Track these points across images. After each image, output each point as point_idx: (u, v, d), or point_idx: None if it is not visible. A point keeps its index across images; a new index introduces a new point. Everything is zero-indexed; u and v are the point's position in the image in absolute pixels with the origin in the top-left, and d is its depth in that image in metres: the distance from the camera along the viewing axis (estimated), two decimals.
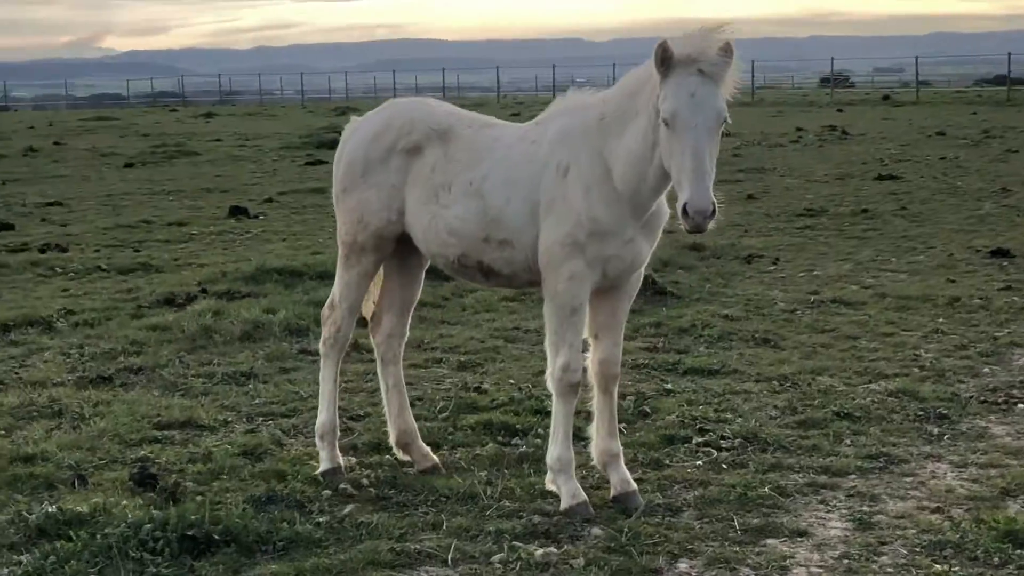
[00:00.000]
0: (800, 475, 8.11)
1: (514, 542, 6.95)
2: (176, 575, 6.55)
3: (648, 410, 9.51)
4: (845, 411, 9.39)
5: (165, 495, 7.59)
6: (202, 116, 71.10)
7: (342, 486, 7.84)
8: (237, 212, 22.80)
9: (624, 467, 7.71)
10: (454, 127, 7.74)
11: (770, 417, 9.38)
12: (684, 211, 6.58)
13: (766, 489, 7.76)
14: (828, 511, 7.52)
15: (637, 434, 8.96)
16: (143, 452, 8.62)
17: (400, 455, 8.33)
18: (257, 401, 9.92)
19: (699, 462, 8.39)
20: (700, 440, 8.76)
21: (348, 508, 7.50)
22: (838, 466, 8.25)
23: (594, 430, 7.82)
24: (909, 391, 9.97)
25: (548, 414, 8.93)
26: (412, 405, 9.41)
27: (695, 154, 6.65)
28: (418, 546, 6.89)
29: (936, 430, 9.03)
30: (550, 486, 7.59)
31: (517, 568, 6.65)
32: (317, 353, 8.67)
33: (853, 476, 8.09)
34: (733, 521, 7.28)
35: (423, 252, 7.92)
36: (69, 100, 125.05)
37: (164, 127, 58.82)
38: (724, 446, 8.67)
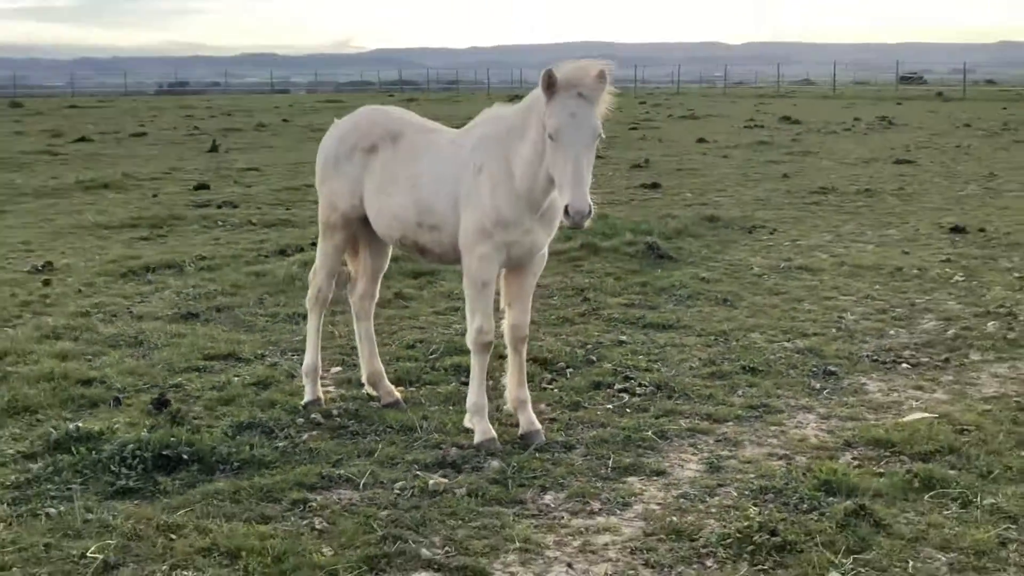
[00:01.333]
0: (687, 420, 7.57)
1: (420, 472, 6.60)
2: (142, 487, 6.29)
3: (594, 359, 8.99)
4: (752, 365, 8.75)
5: (168, 418, 7.39)
6: (410, 101, 70.76)
7: (314, 416, 7.56)
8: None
9: (531, 411, 7.29)
10: (404, 131, 7.45)
11: (690, 368, 8.79)
12: (566, 211, 6.26)
13: (650, 432, 7.26)
14: (693, 454, 6.99)
15: (573, 379, 8.49)
16: (179, 379, 8.43)
17: (370, 391, 8.03)
18: (297, 339, 9.60)
19: (609, 405, 7.88)
20: (620, 387, 8.24)
21: (306, 435, 7.23)
22: (720, 414, 7.69)
23: (507, 381, 7.40)
24: (815, 349, 9.27)
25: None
26: (413, 346, 9.13)
27: (575, 164, 6.28)
28: (343, 471, 6.57)
29: (819, 385, 8.36)
30: (467, 424, 7.22)
31: (411, 493, 6.29)
32: None
33: (730, 423, 7.54)
34: (609, 459, 6.82)
35: (376, 232, 7.58)
36: (330, 87, 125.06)
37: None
38: (638, 392, 8.15)
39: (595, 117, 6.44)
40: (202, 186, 21.69)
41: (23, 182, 22.44)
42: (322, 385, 8.05)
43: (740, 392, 8.20)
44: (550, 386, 8.33)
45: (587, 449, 7.03)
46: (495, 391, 7.70)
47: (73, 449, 6.68)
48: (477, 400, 7.15)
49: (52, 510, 5.98)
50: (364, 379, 8.06)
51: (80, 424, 7.03)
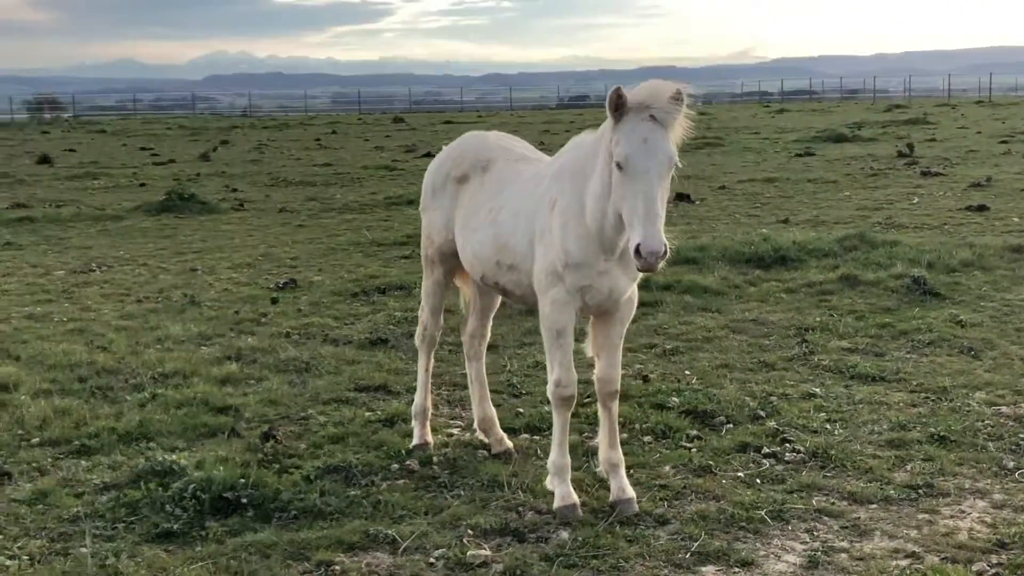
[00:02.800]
0: (823, 498, 6.48)
1: (470, 539, 5.96)
2: (187, 531, 6.06)
3: (763, 414, 7.92)
4: (945, 433, 7.39)
5: (264, 456, 7.15)
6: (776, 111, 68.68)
7: (409, 462, 7.07)
8: (680, 198, 21.65)
9: (624, 475, 6.46)
10: (496, 160, 6.84)
11: (870, 433, 7.55)
12: (637, 252, 5.40)
13: (763, 512, 6.23)
14: (802, 543, 5.92)
15: (723, 438, 7.51)
16: (313, 411, 8.19)
17: (482, 437, 7.45)
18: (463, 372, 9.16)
19: (741, 473, 6.88)
20: (768, 451, 7.20)
21: (385, 484, 6.74)
22: (867, 493, 6.52)
23: (599, 440, 6.61)
24: None
25: (666, 408, 7.86)
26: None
27: (647, 197, 5.45)
28: (394, 531, 6.02)
29: (1013, 464, 6.94)
30: (548, 486, 6.47)
31: (446, 563, 5.69)
32: None
33: (873, 506, 6.37)
34: (696, 542, 5.89)
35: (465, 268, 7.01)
36: (726, 98, 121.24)
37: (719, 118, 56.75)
38: (787, 459, 7.08)
39: (670, 143, 5.60)
40: None
41: (340, 197, 23.42)
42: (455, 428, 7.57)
43: (909, 467, 6.94)
44: (689, 444, 7.40)
45: (680, 526, 6.12)
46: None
47: (144, 485, 6.55)
48: (557, 460, 6.41)
49: (83, 550, 5.85)
50: (476, 424, 7.51)
51: (170, 457, 6.91)
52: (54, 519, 6.29)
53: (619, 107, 5.62)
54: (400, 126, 59.37)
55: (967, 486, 6.65)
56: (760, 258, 13.87)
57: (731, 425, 7.76)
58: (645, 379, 8.88)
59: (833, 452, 7.14)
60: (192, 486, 6.38)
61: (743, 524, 6.12)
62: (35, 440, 7.59)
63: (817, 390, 8.54)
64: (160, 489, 6.45)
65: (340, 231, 18.41)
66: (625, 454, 7.13)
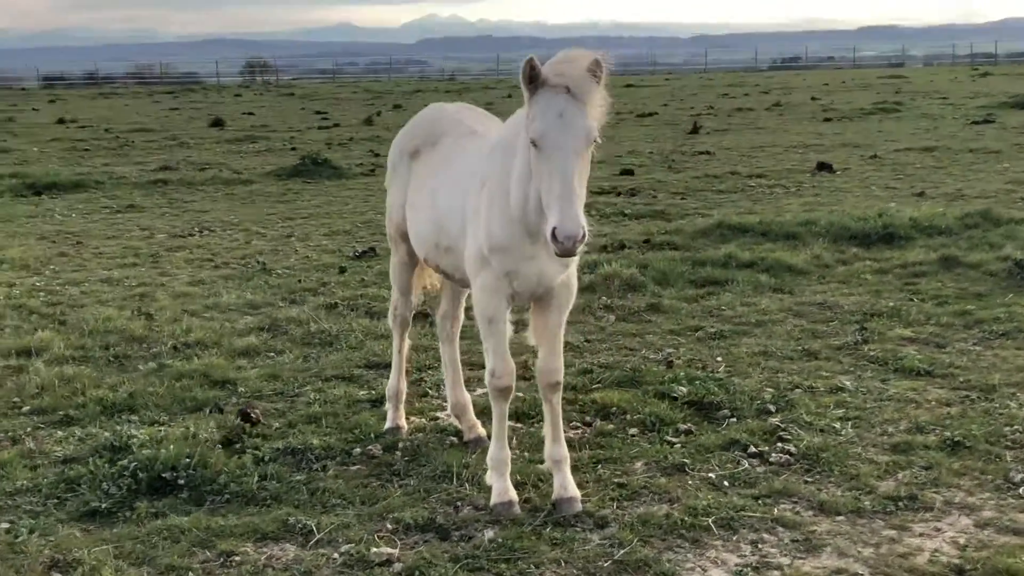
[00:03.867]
0: (788, 507, 5.94)
1: (384, 535, 5.66)
2: (115, 511, 5.98)
3: (773, 408, 7.36)
4: (961, 438, 6.69)
5: (227, 434, 7.02)
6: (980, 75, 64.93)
7: (371, 447, 6.82)
8: (821, 168, 20.68)
9: (568, 473, 6.04)
10: (446, 134, 6.48)
11: (881, 434, 6.92)
12: (553, 236, 4.95)
13: (711, 520, 5.74)
14: (739, 556, 5.42)
15: (715, 433, 7.00)
16: (307, 389, 8.05)
17: (455, 423, 7.14)
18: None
19: (712, 474, 6.37)
20: (755, 450, 6.65)
21: (333, 470, 6.53)
22: (839, 504, 5.93)
23: (544, 434, 6.20)
24: None
25: (669, 398, 7.44)
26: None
27: (563, 177, 5.00)
28: (313, 521, 5.77)
29: (1021, 478, 6.25)
30: (487, 482, 6.11)
31: (347, 561, 5.42)
32: None
33: (840, 518, 5.78)
34: (621, 551, 5.46)
35: None
36: (948, 59, 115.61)
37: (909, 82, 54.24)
38: (771, 460, 6.53)
39: (587, 117, 5.15)
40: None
41: None
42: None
43: (901, 475, 6.30)
44: (675, 439, 6.91)
45: (617, 531, 5.68)
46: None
47: (93, 460, 6.51)
48: (495, 454, 6.05)
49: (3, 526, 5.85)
50: (449, 409, 7.20)
51: (128, 432, 6.86)
52: None
53: (533, 79, 5.19)
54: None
55: (957, 500, 5.99)
56: (866, 235, 13.05)
57: (734, 419, 7.24)
58: (669, 364, 8.39)
59: (826, 455, 6.56)
60: (135, 464, 6.30)
61: (684, 532, 5.65)
62: (25, 408, 7.68)
63: (848, 383, 7.90)
64: (107, 465, 6.40)
65: None
66: (601, 447, 6.81)
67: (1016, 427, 6.94)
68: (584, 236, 4.98)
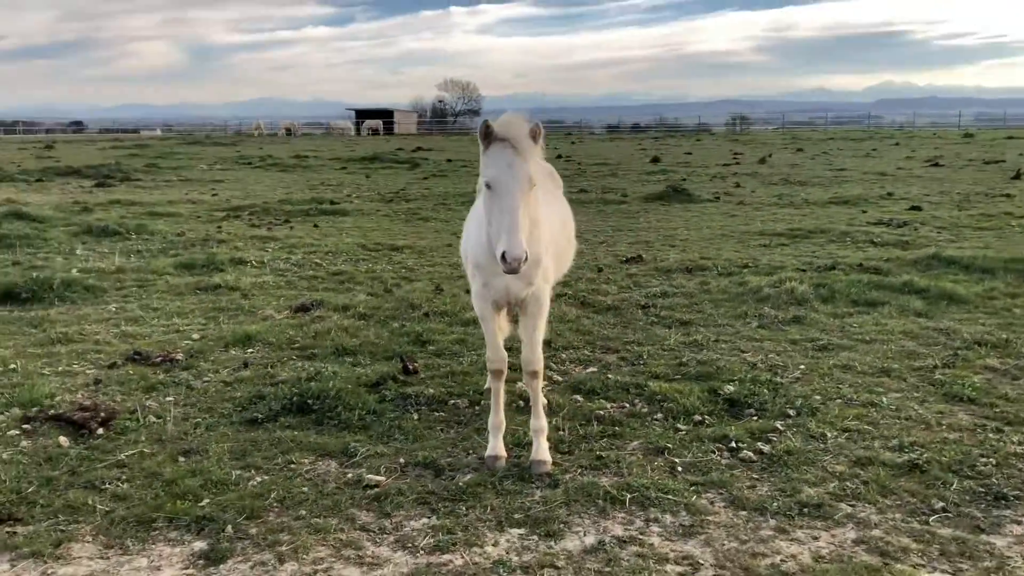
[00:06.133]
0: (710, 496, 5.25)
1: (403, 467, 5.67)
2: (265, 421, 6.37)
3: (792, 412, 6.44)
4: (971, 463, 5.52)
5: (382, 378, 7.25)
6: None
7: (461, 399, 6.78)
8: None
9: (544, 441, 5.74)
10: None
11: (878, 447, 5.84)
12: (503, 258, 4.82)
13: (628, 496, 5.21)
14: (624, 527, 4.92)
15: (724, 426, 6.24)
16: (474, 353, 8.06)
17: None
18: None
19: (676, 459, 5.74)
20: (738, 445, 5.89)
21: (420, 414, 6.56)
22: (752, 500, 5.16)
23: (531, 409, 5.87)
24: None
25: (712, 392, 6.85)
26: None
27: (511, 212, 4.86)
28: (359, 448, 5.92)
29: (943, 505, 5.02)
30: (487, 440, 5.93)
31: (346, 480, 5.49)
32: None
33: (742, 513, 5.04)
34: (541, 507, 5.13)
35: None
36: None
37: None
38: (751, 459, 5.71)
39: (529, 166, 4.98)
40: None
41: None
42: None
43: (834, 484, 5.32)
44: (684, 428, 6.26)
45: (556, 493, 5.33)
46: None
47: (279, 386, 7.05)
48: (491, 419, 5.88)
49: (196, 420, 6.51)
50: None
51: (312, 367, 7.32)
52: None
53: (487, 136, 5.01)
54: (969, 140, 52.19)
55: (861, 515, 5.00)
56: None
57: (755, 417, 6.42)
58: (752, 366, 7.54)
59: (791, 458, 5.70)
60: (294, 391, 6.76)
61: (602, 501, 5.20)
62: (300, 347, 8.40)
63: (884, 400, 6.68)
64: (284, 388, 6.89)
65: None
66: (618, 425, 6.29)
67: (1019, 465, 5.55)
68: (526, 257, 4.79)
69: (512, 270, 4.78)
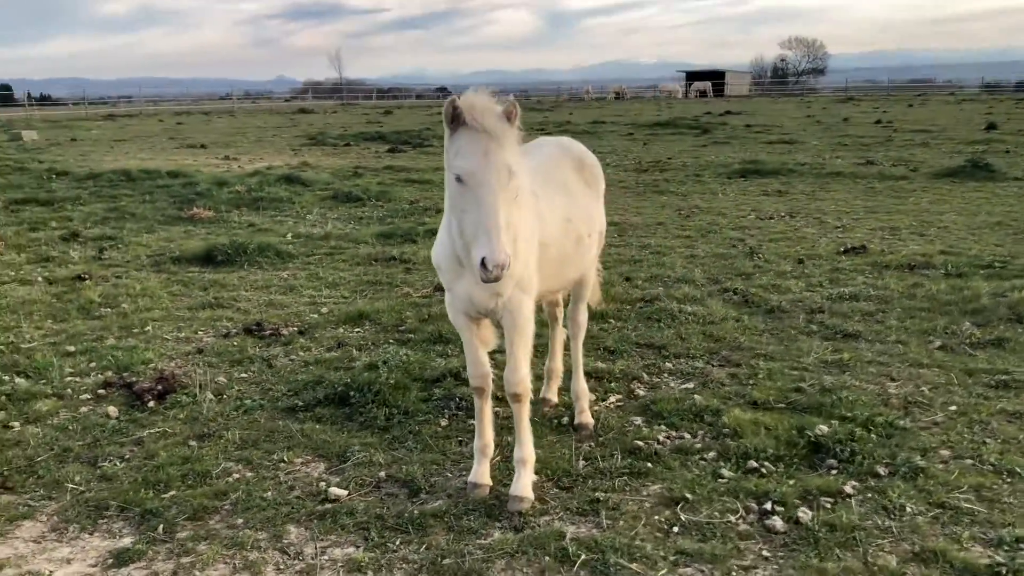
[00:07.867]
0: (654, 488, 4.14)
1: (377, 482, 5.13)
2: (304, 409, 6.13)
3: (826, 452, 4.99)
4: (932, 494, 3.98)
5: (433, 376, 6.70)
6: None
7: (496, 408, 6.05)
8: None
9: (527, 475, 4.88)
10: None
11: (878, 463, 4.35)
12: (483, 264, 4.03)
13: (574, 495, 4.25)
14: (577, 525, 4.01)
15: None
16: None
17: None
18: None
19: (657, 447, 4.68)
20: (726, 463, 4.66)
21: (444, 420, 5.93)
22: (683, 490, 3.99)
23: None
24: None
25: (761, 400, 5.72)
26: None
27: (490, 211, 4.06)
28: (352, 454, 5.43)
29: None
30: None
31: (318, 488, 5.04)
32: None
33: (670, 512, 3.92)
34: (505, 564, 4.35)
35: None
36: None
37: None
38: (723, 472, 4.52)
39: (507, 154, 4.13)
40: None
41: None
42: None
43: (779, 488, 3.98)
44: (728, 474, 5.04)
45: (512, 540, 4.47)
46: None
47: (331, 373, 6.77)
48: (476, 442, 5.07)
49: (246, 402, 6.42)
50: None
51: (369, 357, 6.94)
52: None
53: (455, 119, 4.20)
54: None
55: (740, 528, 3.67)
56: None
57: (834, 471, 5.01)
58: (885, 403, 6.00)
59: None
60: (337, 381, 6.45)
61: (546, 558, 4.27)
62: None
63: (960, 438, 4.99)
64: (332, 373, 6.60)
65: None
66: (652, 459, 5.32)
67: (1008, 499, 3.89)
68: (508, 263, 4.02)
69: (491, 279, 3.98)
